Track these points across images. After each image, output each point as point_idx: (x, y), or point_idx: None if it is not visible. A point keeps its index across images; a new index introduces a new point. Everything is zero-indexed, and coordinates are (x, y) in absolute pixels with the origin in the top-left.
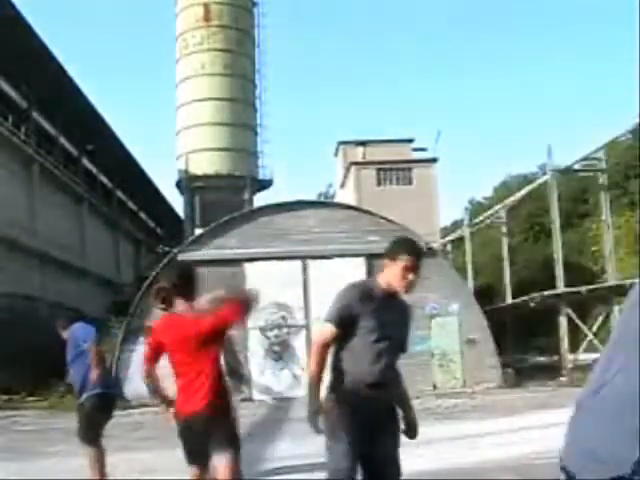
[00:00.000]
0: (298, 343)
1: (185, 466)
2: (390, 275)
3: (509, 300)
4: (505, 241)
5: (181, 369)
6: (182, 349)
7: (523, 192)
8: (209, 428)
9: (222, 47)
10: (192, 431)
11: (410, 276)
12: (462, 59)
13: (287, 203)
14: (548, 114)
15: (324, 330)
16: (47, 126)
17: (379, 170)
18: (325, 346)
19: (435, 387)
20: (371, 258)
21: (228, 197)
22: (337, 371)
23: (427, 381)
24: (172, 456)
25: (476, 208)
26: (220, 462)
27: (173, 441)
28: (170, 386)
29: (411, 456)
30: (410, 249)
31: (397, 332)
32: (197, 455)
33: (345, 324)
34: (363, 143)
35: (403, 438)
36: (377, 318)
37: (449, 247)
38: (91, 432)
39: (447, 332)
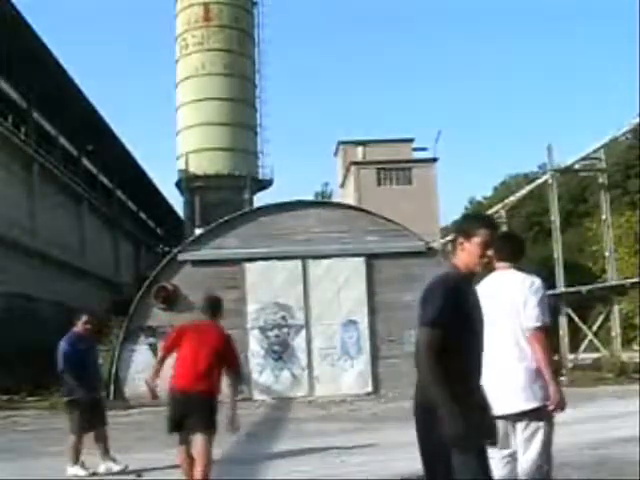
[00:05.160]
0: (298, 343)
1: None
2: (467, 255)
3: None
4: None
5: None
6: None
7: (523, 192)
8: None
9: (222, 47)
10: None
11: (489, 252)
12: (462, 59)
13: (287, 203)
14: (548, 114)
15: (430, 336)
16: (47, 126)
17: (379, 170)
18: (437, 353)
19: None
20: (371, 258)
21: (228, 197)
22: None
23: None
24: (171, 456)
25: (476, 208)
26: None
27: (172, 441)
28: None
29: (413, 455)
30: (487, 222)
31: (481, 318)
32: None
33: (445, 324)
34: (363, 143)
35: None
36: (471, 309)
37: (449, 247)
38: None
39: None
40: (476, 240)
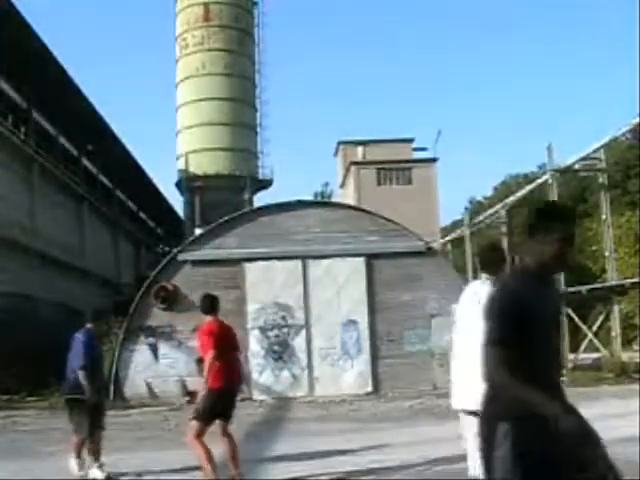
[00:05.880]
0: (298, 343)
1: (183, 466)
2: (541, 253)
3: None
4: (505, 241)
5: None
6: None
7: (523, 192)
8: None
9: (222, 47)
10: None
11: (566, 249)
12: (462, 59)
13: (287, 203)
14: (548, 114)
15: (496, 355)
16: (47, 126)
17: (379, 170)
18: (509, 368)
19: (435, 387)
20: (371, 258)
21: (228, 197)
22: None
23: (427, 381)
24: (171, 456)
25: (476, 208)
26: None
27: (172, 441)
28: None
29: (413, 455)
30: (564, 216)
31: (557, 319)
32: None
33: (513, 333)
34: (363, 143)
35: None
36: (541, 311)
37: (449, 247)
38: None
39: (447, 332)
40: (552, 237)
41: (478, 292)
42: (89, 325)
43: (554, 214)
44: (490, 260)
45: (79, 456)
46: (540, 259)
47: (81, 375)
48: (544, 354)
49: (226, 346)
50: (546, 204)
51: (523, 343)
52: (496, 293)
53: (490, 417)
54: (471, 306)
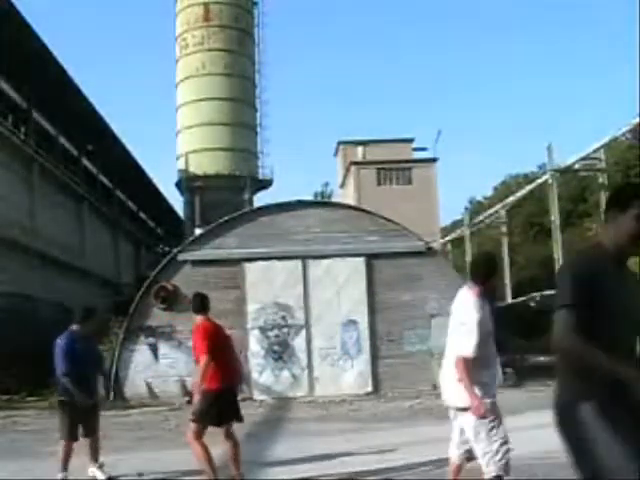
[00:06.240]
0: (298, 343)
1: (183, 466)
2: (618, 230)
3: (509, 300)
4: (505, 241)
5: None
6: None
7: (523, 192)
8: None
9: (222, 47)
10: None
11: None
12: (462, 59)
13: (287, 203)
14: (548, 114)
15: (568, 319)
16: (47, 126)
17: (379, 170)
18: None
19: (435, 387)
20: (371, 258)
21: (228, 197)
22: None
23: (427, 381)
24: (171, 456)
25: (476, 208)
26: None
27: (172, 441)
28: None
29: (413, 455)
30: None
31: (634, 303)
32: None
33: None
34: (363, 143)
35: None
36: (614, 290)
37: (449, 247)
38: None
39: (447, 332)
40: (632, 212)
41: (466, 294)
42: (74, 327)
43: (635, 191)
44: (477, 270)
45: (65, 468)
46: (616, 235)
47: (65, 381)
48: (610, 333)
49: (221, 346)
50: (628, 182)
51: (586, 316)
52: (566, 264)
53: (567, 405)
54: (460, 308)
